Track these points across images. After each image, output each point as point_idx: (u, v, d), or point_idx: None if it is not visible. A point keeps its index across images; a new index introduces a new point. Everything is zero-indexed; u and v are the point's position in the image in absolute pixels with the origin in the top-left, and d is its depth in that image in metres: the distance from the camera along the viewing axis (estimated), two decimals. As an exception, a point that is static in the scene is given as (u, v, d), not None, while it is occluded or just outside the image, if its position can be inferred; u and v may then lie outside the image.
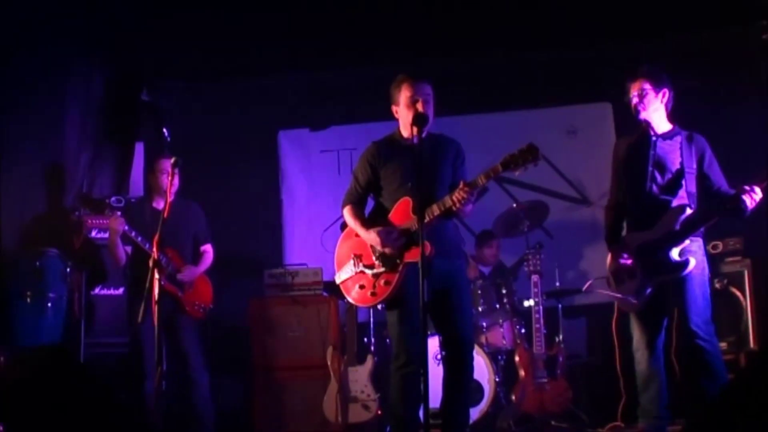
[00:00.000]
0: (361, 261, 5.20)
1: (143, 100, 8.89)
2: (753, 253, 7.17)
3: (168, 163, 6.39)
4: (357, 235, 5.29)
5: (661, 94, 5.49)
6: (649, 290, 5.41)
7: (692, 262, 5.25)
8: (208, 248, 6.94)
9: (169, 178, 6.05)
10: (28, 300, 6.92)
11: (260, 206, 9.19)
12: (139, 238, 6.40)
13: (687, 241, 5.29)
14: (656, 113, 5.52)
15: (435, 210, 4.98)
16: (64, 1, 7.18)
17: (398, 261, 5.07)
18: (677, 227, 5.29)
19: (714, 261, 7.19)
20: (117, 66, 8.50)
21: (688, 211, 5.32)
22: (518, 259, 8.16)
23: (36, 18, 7.18)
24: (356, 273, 5.23)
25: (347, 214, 5.35)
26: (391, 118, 5.42)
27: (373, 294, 5.14)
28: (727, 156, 5.86)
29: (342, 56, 8.42)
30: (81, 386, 3.44)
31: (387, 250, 5.09)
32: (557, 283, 7.73)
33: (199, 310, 6.68)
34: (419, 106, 5.09)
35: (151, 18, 7.52)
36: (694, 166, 5.43)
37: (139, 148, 8.71)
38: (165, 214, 5.62)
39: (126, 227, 6.39)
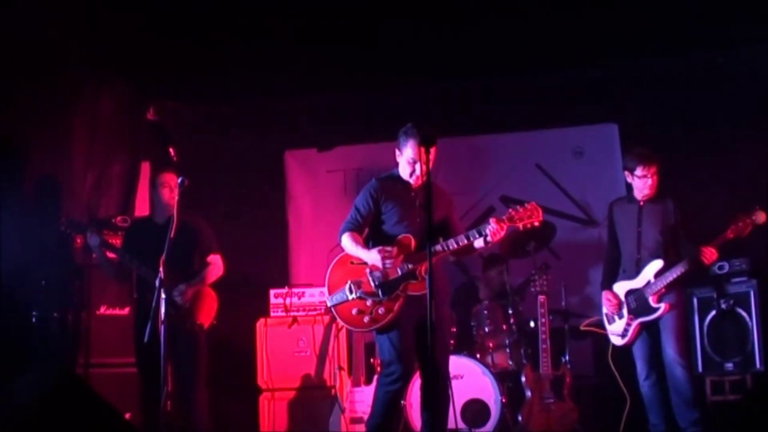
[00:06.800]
0: (360, 288, 5.49)
1: (150, 120, 8.92)
2: (759, 274, 7.15)
3: (169, 177, 6.50)
4: (352, 263, 5.61)
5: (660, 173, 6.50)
6: (632, 328, 6.43)
7: (663, 307, 6.30)
8: (212, 259, 6.70)
9: (174, 193, 6.14)
10: (34, 320, 6.93)
11: (266, 226, 9.17)
12: (134, 262, 6.38)
13: (663, 289, 6.30)
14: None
15: (443, 247, 5.43)
16: (73, 21, 7.21)
17: (399, 292, 5.44)
18: (653, 278, 6.37)
19: (720, 281, 7.20)
20: (125, 86, 8.54)
21: (660, 264, 6.35)
22: (525, 280, 8.15)
23: (45, 38, 7.21)
24: (353, 299, 5.50)
25: (348, 238, 5.65)
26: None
27: (371, 320, 5.47)
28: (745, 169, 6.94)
29: (349, 78, 8.43)
30: (89, 409, 3.44)
31: (387, 264, 5.41)
32: (563, 303, 7.73)
33: (194, 327, 6.45)
34: (417, 168, 5.54)
35: (159, 39, 7.56)
36: (669, 225, 6.46)
37: (146, 168, 8.73)
38: (172, 235, 5.61)
39: (98, 243, 6.42)
